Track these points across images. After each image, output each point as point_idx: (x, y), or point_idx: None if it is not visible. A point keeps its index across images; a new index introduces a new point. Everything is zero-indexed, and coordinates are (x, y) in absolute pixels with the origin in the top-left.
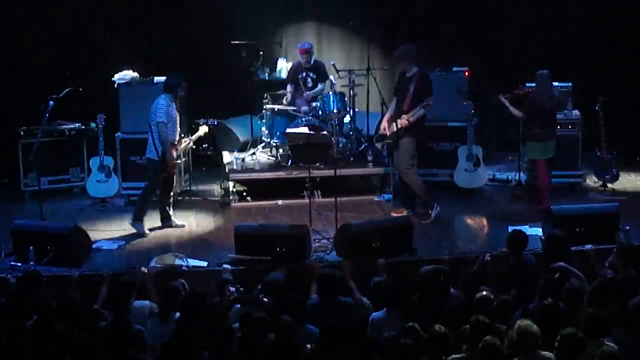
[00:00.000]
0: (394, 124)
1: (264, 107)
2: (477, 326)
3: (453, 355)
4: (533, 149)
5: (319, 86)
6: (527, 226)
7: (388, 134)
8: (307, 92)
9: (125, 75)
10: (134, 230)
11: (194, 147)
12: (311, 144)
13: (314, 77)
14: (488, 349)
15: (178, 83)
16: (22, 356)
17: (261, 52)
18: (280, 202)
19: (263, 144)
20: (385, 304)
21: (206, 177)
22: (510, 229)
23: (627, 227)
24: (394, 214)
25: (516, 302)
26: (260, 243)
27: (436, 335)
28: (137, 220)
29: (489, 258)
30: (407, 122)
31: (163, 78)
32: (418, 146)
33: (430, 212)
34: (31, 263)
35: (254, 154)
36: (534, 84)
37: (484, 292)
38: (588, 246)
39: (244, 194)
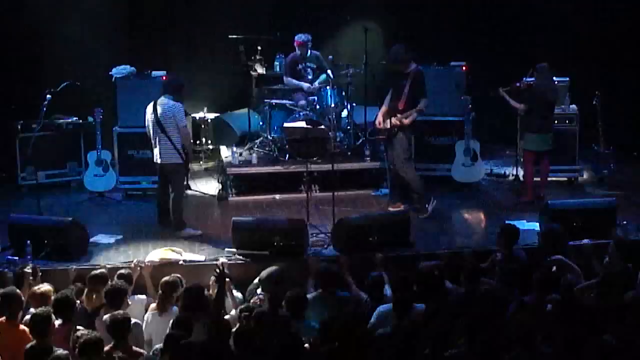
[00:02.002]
0: (389, 120)
1: (268, 100)
2: (475, 320)
3: (451, 350)
4: (531, 140)
5: (322, 76)
6: (524, 221)
7: (383, 129)
8: (315, 85)
9: (123, 69)
10: (130, 225)
11: (192, 141)
12: (309, 138)
13: (314, 67)
14: (485, 343)
15: (183, 85)
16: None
17: (259, 47)
18: (277, 196)
19: (261, 138)
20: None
21: (203, 172)
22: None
23: (624, 222)
24: (391, 209)
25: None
26: (257, 237)
27: (433, 329)
28: (182, 228)
29: (500, 256)
30: (399, 123)
31: (160, 72)
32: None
33: (427, 206)
34: (28, 257)
35: (251, 148)
36: (532, 78)
37: (481, 287)
38: (585, 241)
39: (242, 188)
